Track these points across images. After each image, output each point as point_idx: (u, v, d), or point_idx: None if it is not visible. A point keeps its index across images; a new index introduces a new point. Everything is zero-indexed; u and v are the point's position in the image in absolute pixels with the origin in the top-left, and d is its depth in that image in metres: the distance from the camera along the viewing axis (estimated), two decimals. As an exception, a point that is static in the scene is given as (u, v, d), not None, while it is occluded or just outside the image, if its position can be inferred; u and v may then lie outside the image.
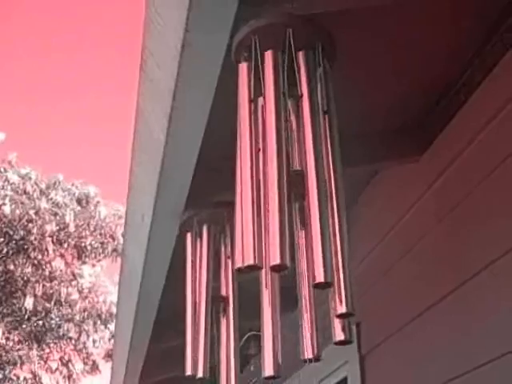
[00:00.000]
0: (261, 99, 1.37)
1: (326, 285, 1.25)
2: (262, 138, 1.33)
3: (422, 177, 2.24)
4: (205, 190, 1.98)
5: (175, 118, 1.57)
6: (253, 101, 1.38)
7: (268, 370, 1.40)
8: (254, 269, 1.25)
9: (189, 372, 1.96)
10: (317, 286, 1.26)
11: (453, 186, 2.07)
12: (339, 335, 1.35)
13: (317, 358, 1.38)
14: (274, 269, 1.24)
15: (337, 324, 1.34)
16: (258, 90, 1.38)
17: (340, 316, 1.30)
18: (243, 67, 1.41)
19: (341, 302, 1.27)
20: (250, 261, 1.23)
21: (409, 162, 2.28)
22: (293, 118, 1.41)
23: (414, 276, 2.30)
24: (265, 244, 1.23)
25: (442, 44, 1.86)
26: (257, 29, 1.36)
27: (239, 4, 1.29)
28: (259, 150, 1.33)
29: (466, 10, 1.71)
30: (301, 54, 1.40)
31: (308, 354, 1.38)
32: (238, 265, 1.23)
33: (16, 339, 13.77)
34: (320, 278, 1.23)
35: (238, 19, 1.31)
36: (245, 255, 1.23)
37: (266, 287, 1.43)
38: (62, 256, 14.11)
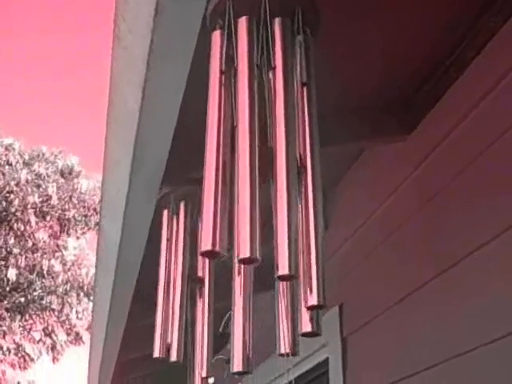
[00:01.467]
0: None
1: (291, 277, 1.16)
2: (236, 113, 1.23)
3: (410, 156, 2.17)
4: (183, 166, 1.90)
5: (150, 88, 1.47)
6: (224, 72, 1.28)
7: (237, 364, 1.31)
8: (217, 255, 1.16)
9: (157, 354, 1.88)
10: (281, 278, 1.17)
11: (441, 166, 2.00)
12: (306, 326, 1.25)
13: (293, 353, 1.29)
14: (243, 262, 1.15)
15: (304, 314, 1.24)
16: (231, 61, 1.28)
17: (310, 308, 1.21)
18: (216, 35, 1.31)
19: (311, 292, 1.18)
20: (207, 246, 1.13)
21: (395, 141, 2.20)
22: (269, 91, 1.31)
23: (399, 258, 2.24)
24: (236, 231, 1.14)
25: (432, 20, 1.78)
26: None
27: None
28: (235, 126, 1.23)
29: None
30: (277, 21, 1.28)
31: (285, 348, 1.29)
32: (200, 249, 1.15)
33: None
34: (283, 270, 1.13)
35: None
36: (203, 240, 1.14)
37: (239, 274, 1.34)
38: (44, 228, 14.03)
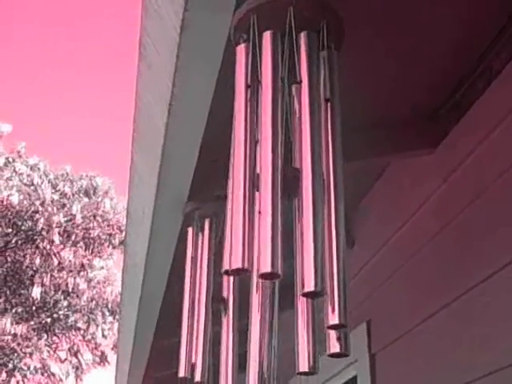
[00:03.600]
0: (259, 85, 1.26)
1: (317, 294, 1.13)
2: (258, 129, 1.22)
3: (436, 170, 2.14)
4: (208, 183, 1.89)
5: (175, 105, 1.47)
6: (250, 86, 1.27)
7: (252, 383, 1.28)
8: (243, 272, 1.14)
9: (182, 374, 1.86)
10: (306, 295, 1.14)
11: (469, 181, 1.97)
12: (334, 347, 1.21)
13: (312, 372, 1.26)
14: (265, 277, 1.12)
15: (332, 334, 1.20)
16: (256, 75, 1.27)
17: (332, 327, 1.17)
18: (241, 49, 1.29)
19: (333, 311, 1.14)
20: (238, 264, 1.11)
21: (421, 154, 2.18)
22: (294, 106, 1.29)
23: (425, 275, 2.20)
24: (257, 247, 1.13)
25: (459, 31, 1.76)
26: (257, 7, 1.23)
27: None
28: (257, 141, 1.22)
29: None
30: (303, 35, 1.26)
31: (303, 366, 1.26)
32: (225, 267, 1.13)
33: (25, 330, 13.76)
34: (310, 286, 1.11)
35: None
36: (232, 258, 1.12)
37: (257, 291, 1.32)
38: (70, 247, 14.12)
